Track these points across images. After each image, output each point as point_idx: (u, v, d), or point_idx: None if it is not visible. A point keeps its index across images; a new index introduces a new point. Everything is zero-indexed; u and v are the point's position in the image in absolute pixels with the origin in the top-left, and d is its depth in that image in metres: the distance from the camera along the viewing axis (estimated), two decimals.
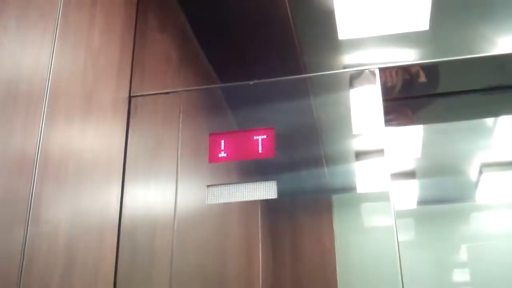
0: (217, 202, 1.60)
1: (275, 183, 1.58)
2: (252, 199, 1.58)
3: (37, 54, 1.27)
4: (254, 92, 1.72)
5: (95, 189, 1.47)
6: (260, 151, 1.62)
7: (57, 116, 1.31)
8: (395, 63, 1.69)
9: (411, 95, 1.83)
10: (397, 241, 1.47)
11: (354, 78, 1.70)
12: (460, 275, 1.89)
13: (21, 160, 1.16)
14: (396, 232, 1.48)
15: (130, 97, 1.75)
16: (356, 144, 1.64)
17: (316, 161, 1.62)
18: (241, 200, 1.58)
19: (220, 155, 1.64)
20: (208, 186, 1.63)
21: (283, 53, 1.79)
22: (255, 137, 1.64)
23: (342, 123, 1.66)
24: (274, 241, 1.54)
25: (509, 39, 1.68)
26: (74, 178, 1.36)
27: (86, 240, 1.39)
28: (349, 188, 1.61)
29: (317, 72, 1.73)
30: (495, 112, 1.87)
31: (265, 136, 1.63)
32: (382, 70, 1.68)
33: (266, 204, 1.58)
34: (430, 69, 1.73)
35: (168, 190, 1.64)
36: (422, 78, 1.75)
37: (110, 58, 1.64)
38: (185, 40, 1.88)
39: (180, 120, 1.73)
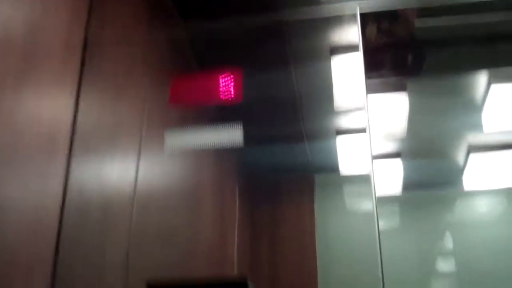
0: (178, 146, 1.45)
1: (241, 125, 1.44)
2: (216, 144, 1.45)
3: None
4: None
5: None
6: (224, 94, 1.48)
7: None
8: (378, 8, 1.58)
9: (395, 42, 1.71)
10: (378, 227, 1.37)
11: (335, 25, 1.58)
12: (444, 264, 1.83)
13: None
14: (377, 218, 1.38)
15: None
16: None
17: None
18: (204, 144, 1.45)
19: (181, 99, 1.48)
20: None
21: None
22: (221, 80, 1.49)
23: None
24: (253, 219, 1.45)
25: None
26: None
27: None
28: (331, 167, 1.52)
29: None
30: (484, 65, 1.78)
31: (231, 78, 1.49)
32: (364, 15, 1.56)
33: (245, 180, 1.51)
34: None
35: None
36: (408, 24, 1.64)
37: None
38: None
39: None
